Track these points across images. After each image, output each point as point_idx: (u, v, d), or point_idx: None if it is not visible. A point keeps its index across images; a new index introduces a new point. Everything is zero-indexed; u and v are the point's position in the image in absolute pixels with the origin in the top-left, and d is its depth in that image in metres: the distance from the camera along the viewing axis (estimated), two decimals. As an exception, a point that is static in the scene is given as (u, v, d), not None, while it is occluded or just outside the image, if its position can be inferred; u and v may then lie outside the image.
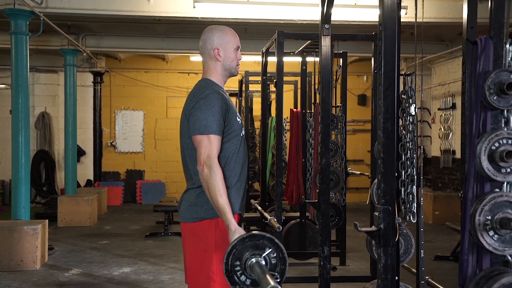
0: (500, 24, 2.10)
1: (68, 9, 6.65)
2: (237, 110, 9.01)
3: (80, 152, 10.50)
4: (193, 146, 2.36)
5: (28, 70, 6.24)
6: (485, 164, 1.98)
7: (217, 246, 2.34)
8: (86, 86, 10.88)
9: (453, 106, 9.61)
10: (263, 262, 1.90)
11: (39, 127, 10.54)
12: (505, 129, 2.05)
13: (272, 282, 1.68)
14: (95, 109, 11.01)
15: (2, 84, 10.49)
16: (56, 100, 10.69)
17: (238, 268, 1.93)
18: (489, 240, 1.94)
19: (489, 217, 1.95)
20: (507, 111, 2.07)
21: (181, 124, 2.46)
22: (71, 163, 8.82)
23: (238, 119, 2.44)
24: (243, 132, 2.49)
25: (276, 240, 1.94)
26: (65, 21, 8.24)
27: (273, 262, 1.93)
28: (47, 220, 5.92)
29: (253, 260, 1.90)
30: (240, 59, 2.52)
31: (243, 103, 8.33)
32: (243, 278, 1.94)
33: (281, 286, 1.69)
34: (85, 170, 10.87)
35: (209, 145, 2.27)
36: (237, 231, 2.15)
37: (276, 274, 1.92)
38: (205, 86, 2.40)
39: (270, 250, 1.93)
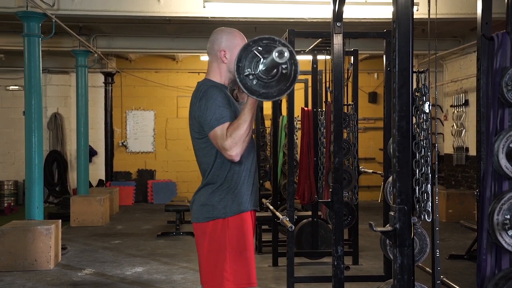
0: (517, 20, 2.06)
1: (79, 11, 6.69)
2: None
3: (92, 152, 10.56)
4: (202, 146, 2.37)
5: (41, 71, 6.28)
6: (503, 162, 1.95)
7: (230, 245, 2.33)
8: (97, 86, 10.93)
9: (466, 103, 9.51)
10: (262, 59, 2.09)
11: (51, 127, 10.62)
12: (523, 126, 2.02)
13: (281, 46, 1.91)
14: (106, 109, 11.07)
15: (15, 85, 10.59)
16: (68, 101, 10.76)
17: (247, 71, 2.07)
18: (508, 240, 1.91)
19: (508, 216, 1.92)
20: (525, 108, 2.03)
21: (189, 125, 2.46)
22: (83, 163, 8.88)
23: None
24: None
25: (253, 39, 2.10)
26: (77, 23, 8.28)
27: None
28: (60, 220, 5.96)
29: (261, 66, 2.07)
30: None
31: (253, 102, 8.29)
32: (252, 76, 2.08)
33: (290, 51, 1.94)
34: (97, 170, 10.94)
35: (223, 131, 2.26)
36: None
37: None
38: (203, 84, 2.41)
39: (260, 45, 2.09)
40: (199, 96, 2.35)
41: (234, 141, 2.22)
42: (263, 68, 2.05)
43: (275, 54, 1.88)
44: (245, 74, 2.07)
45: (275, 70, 2.07)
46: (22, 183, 10.03)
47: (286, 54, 1.90)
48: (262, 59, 2.06)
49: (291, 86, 2.10)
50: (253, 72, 2.07)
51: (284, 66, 2.07)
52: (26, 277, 5.12)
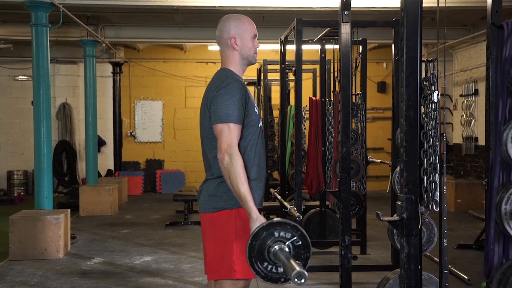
0: (527, 7, 2.03)
1: (87, 0, 6.70)
2: (255, 99, 8.90)
3: (101, 142, 10.61)
4: (212, 136, 2.35)
5: (49, 61, 6.29)
6: (512, 151, 1.94)
7: (237, 236, 2.34)
8: (105, 76, 10.96)
9: (476, 93, 9.43)
10: (287, 249, 1.90)
11: (60, 117, 10.67)
12: (533, 115, 2.00)
13: (297, 268, 1.66)
14: (115, 99, 11.10)
15: (24, 75, 10.64)
16: (76, 91, 10.80)
17: (260, 256, 1.93)
18: (515, 230, 1.91)
19: (516, 206, 1.91)
20: (534, 97, 2.01)
21: (200, 113, 2.45)
22: (92, 153, 8.93)
23: (256, 110, 2.42)
24: (261, 123, 2.46)
25: (299, 227, 1.93)
26: (84, 12, 8.29)
27: (296, 249, 1.92)
28: (69, 210, 6.01)
29: (276, 247, 1.89)
30: (257, 47, 2.49)
31: (261, 92, 8.29)
32: (265, 265, 1.93)
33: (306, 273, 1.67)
34: (106, 160, 11.00)
35: (230, 134, 2.26)
36: (258, 219, 2.13)
37: (299, 262, 1.91)
38: (225, 75, 2.38)
39: (294, 238, 1.92)
40: (219, 86, 2.33)
41: (230, 161, 2.21)
42: (274, 257, 1.92)
43: (294, 276, 1.67)
44: (258, 258, 1.95)
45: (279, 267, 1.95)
46: (31, 173, 10.12)
47: (303, 281, 1.68)
48: (277, 253, 1.90)
49: (273, 283, 1.99)
50: (266, 256, 1.95)
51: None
52: (36, 266, 5.18)
